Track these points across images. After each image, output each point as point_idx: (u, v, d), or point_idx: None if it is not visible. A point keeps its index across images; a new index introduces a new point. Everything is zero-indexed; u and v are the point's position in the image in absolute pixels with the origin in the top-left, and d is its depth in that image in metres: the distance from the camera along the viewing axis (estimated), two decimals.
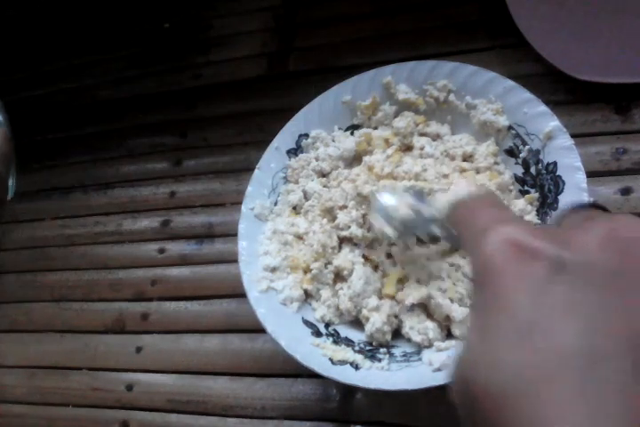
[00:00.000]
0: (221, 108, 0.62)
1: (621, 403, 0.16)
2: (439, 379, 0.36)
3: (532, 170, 0.41)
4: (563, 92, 0.48)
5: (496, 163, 0.43)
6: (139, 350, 0.55)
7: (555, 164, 0.39)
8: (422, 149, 0.45)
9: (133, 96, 0.67)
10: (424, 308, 0.41)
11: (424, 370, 0.38)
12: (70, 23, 0.74)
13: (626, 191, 0.45)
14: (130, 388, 0.54)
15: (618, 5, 0.48)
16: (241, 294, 0.52)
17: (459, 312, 0.39)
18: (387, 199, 0.40)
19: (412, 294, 0.41)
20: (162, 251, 0.58)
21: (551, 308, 0.18)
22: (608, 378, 0.17)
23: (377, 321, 0.41)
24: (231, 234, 0.55)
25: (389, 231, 0.39)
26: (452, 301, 0.40)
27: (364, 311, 0.42)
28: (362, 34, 0.58)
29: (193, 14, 0.67)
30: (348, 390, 0.46)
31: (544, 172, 0.40)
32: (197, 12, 0.67)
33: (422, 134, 0.46)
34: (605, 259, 0.18)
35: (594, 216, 0.21)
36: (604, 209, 0.23)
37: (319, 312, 0.44)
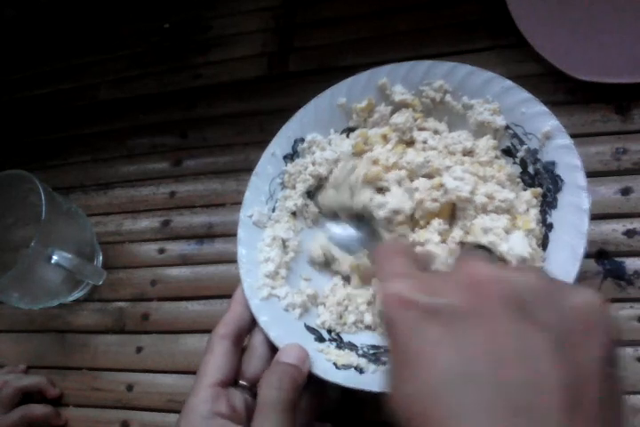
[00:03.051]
0: (221, 108, 0.62)
1: (490, 409, 0.21)
2: None
3: (530, 169, 0.41)
4: (563, 92, 0.48)
5: (497, 157, 0.43)
6: (139, 350, 0.55)
7: (553, 163, 0.39)
8: (425, 142, 0.45)
9: (133, 96, 0.67)
10: None
11: None
12: (70, 23, 0.74)
13: (626, 191, 0.45)
14: (130, 388, 0.54)
15: (618, 5, 0.48)
16: None
17: None
18: (334, 229, 0.46)
19: None
20: (162, 251, 0.58)
21: (430, 342, 0.23)
22: (480, 392, 0.21)
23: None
24: (231, 234, 0.55)
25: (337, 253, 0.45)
26: None
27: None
28: (362, 34, 0.58)
29: (193, 14, 0.67)
30: (349, 390, 0.46)
31: (542, 171, 0.40)
32: (197, 12, 0.67)
33: (421, 129, 0.46)
34: (463, 301, 0.24)
35: (457, 263, 0.27)
36: (488, 250, 0.32)
37: (322, 317, 0.44)
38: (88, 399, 0.55)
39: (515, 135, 0.42)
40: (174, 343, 0.54)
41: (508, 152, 0.43)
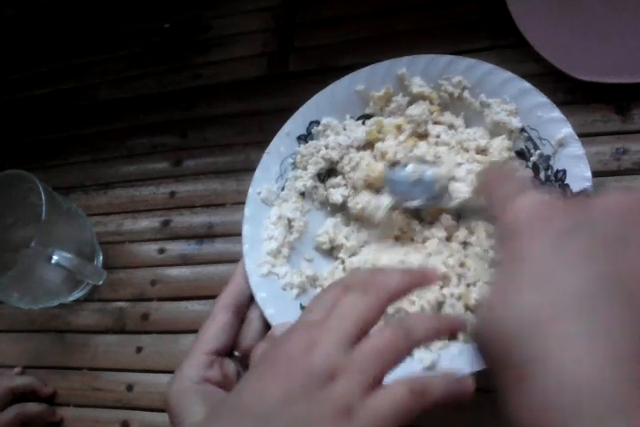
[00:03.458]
0: (221, 108, 0.62)
1: (617, 340, 0.19)
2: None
3: (542, 175, 0.41)
4: (563, 92, 0.48)
5: (510, 158, 0.43)
6: (139, 350, 0.55)
7: (564, 172, 0.39)
8: (438, 136, 0.45)
9: (133, 96, 0.67)
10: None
11: (414, 367, 0.39)
12: (70, 23, 0.74)
13: None
14: (130, 388, 0.54)
15: (618, 5, 0.48)
16: None
17: (470, 320, 0.39)
18: (395, 176, 0.42)
19: (425, 296, 0.40)
20: (162, 251, 0.58)
21: (565, 257, 0.22)
22: (609, 317, 0.20)
23: None
24: (231, 234, 0.56)
25: (387, 201, 0.43)
26: (466, 308, 0.40)
27: None
28: (362, 34, 0.58)
29: (193, 14, 0.67)
30: None
31: (553, 179, 0.40)
32: (197, 12, 0.67)
33: (436, 123, 0.46)
34: (609, 224, 0.22)
35: (598, 192, 0.24)
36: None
37: None
38: (88, 399, 0.55)
39: (529, 138, 0.42)
40: (174, 343, 0.54)
41: (522, 155, 0.43)
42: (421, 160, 0.43)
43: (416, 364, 0.39)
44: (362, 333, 0.25)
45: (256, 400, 0.24)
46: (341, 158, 0.47)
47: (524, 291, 0.22)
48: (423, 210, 0.43)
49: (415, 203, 0.42)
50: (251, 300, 0.41)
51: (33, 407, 0.53)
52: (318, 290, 0.44)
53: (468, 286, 0.41)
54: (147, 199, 0.61)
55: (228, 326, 0.38)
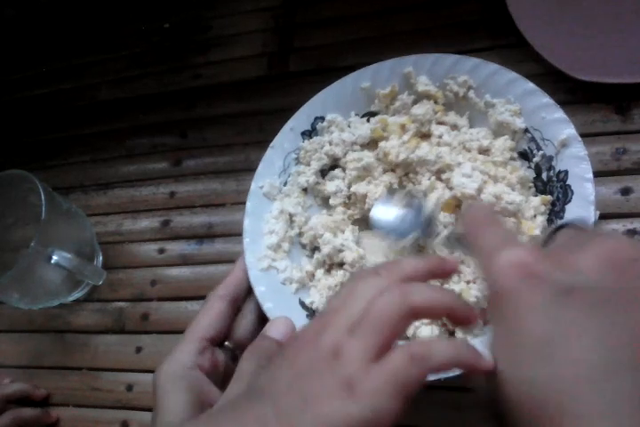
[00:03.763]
0: (221, 108, 0.62)
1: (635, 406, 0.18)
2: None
3: (544, 176, 0.41)
4: (563, 92, 0.48)
5: (512, 158, 0.43)
6: (139, 350, 0.55)
7: (566, 172, 0.39)
8: (441, 137, 0.45)
9: (133, 96, 0.67)
10: None
11: None
12: (70, 23, 0.74)
13: (626, 191, 0.45)
14: (130, 388, 0.54)
15: (617, 5, 0.48)
16: None
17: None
18: (381, 213, 0.43)
19: None
20: (162, 251, 0.58)
21: (564, 327, 0.20)
22: (624, 387, 0.18)
23: None
24: (231, 234, 0.56)
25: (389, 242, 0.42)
26: None
27: None
28: (362, 34, 0.58)
29: (193, 14, 0.67)
30: None
31: (555, 179, 0.40)
32: (197, 12, 0.67)
33: (440, 123, 0.46)
34: (606, 279, 0.21)
35: (584, 237, 0.23)
36: (583, 228, 0.26)
37: (312, 298, 0.44)
38: (88, 399, 0.55)
39: (532, 139, 0.42)
40: (174, 343, 0.54)
41: (525, 155, 0.43)
42: (409, 194, 0.43)
43: None
44: None
45: (269, 385, 0.25)
46: (345, 155, 0.47)
47: (529, 366, 0.21)
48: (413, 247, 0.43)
49: (405, 241, 0.41)
50: (248, 293, 0.41)
51: (28, 412, 0.54)
52: (312, 289, 0.45)
53: (468, 282, 0.41)
54: (147, 199, 0.61)
55: (222, 315, 0.38)
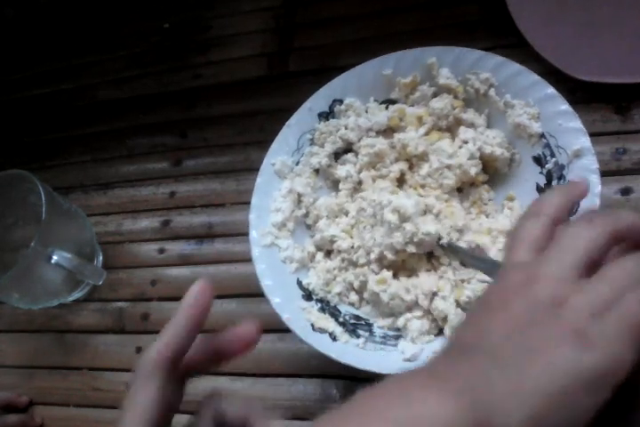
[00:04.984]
0: (221, 108, 0.62)
1: None
2: (407, 369, 0.37)
3: (554, 183, 0.41)
4: (563, 92, 0.48)
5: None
6: (139, 350, 0.55)
7: None
8: (466, 142, 0.44)
9: (133, 96, 0.67)
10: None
11: (396, 357, 0.39)
12: (70, 23, 0.74)
13: (626, 191, 0.45)
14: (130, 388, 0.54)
15: (618, 5, 0.48)
16: (240, 295, 0.52)
17: (457, 317, 0.40)
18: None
19: (421, 286, 0.41)
20: (162, 251, 0.58)
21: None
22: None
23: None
24: (231, 234, 0.56)
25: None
26: (457, 304, 0.40)
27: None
28: (362, 34, 0.58)
29: (193, 14, 0.67)
30: (349, 390, 0.46)
31: None
32: (197, 12, 0.67)
33: (457, 119, 0.46)
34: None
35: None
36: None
37: (309, 279, 0.44)
38: (88, 399, 0.55)
39: (547, 145, 0.42)
40: None
41: (539, 161, 0.43)
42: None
43: (397, 355, 0.39)
44: (590, 262, 0.24)
45: (480, 339, 0.24)
46: (359, 140, 0.47)
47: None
48: None
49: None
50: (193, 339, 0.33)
51: (12, 418, 0.55)
52: (312, 270, 0.45)
53: (463, 281, 0.41)
54: (147, 199, 0.61)
55: (162, 392, 0.31)
